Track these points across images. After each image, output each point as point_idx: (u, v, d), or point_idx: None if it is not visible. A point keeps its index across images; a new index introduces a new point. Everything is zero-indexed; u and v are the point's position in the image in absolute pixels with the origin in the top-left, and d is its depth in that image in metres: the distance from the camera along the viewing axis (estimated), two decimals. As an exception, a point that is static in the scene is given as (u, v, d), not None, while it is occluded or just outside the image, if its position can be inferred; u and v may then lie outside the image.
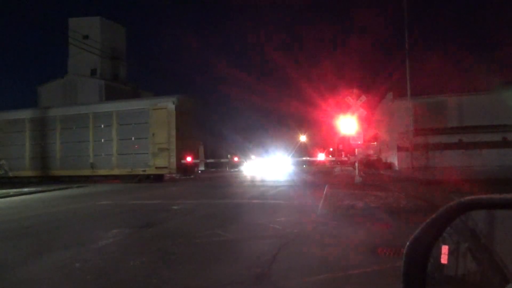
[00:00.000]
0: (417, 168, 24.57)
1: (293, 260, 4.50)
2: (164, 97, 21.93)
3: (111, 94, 37.21)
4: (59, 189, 17.31)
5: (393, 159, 29.75)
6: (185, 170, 21.89)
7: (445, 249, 1.06)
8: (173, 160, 19.96)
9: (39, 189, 16.81)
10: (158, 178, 21.09)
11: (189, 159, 33.98)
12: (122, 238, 5.98)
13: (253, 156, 38.86)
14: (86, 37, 35.61)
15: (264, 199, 11.16)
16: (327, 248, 5.06)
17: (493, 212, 1.06)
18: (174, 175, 22.69)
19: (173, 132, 19.95)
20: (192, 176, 28.33)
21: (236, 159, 42.43)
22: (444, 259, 1.06)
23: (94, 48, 33.05)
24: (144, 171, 20.57)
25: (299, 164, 45.21)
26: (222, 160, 41.50)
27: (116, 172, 21.20)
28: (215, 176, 28.47)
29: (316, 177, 23.85)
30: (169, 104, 20.28)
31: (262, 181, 20.16)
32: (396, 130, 28.41)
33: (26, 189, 16.52)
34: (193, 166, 23.13)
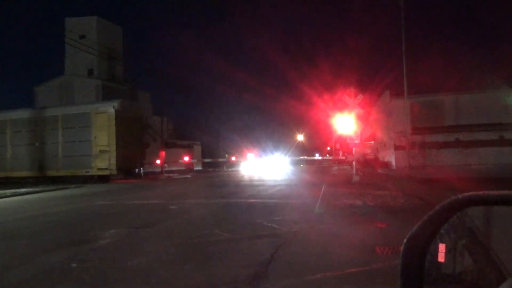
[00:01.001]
0: (414, 167, 24.61)
1: (291, 259, 4.50)
2: (106, 102, 23.80)
3: (108, 94, 37.09)
4: (56, 189, 17.29)
5: (391, 158, 29.81)
6: (126, 171, 23.24)
7: (442, 247, 1.06)
8: (113, 161, 21.22)
9: (36, 189, 16.79)
10: (103, 178, 21.91)
11: (186, 158, 34.15)
12: (120, 238, 5.97)
13: (250, 156, 38.84)
14: (82, 37, 35.45)
15: (261, 198, 11.16)
16: (325, 247, 5.06)
17: (490, 209, 1.06)
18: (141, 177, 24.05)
19: (113, 135, 21.20)
20: (189, 176, 28.37)
21: (233, 158, 42.49)
22: (441, 257, 1.06)
23: (91, 48, 32.94)
24: (87, 172, 21.76)
25: (297, 163, 45.23)
26: (220, 160, 41.65)
27: (62, 173, 22.30)
28: (213, 176, 28.44)
29: (314, 176, 23.87)
30: (109, 109, 21.60)
31: (260, 180, 20.16)
32: (393, 129, 28.46)
33: (22, 190, 16.47)
34: (134, 167, 24.26)
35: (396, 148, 27.97)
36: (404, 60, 24.49)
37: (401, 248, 1.02)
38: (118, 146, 21.13)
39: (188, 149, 41.96)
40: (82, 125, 22.01)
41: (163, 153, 30.87)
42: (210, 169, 43.38)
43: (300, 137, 62.96)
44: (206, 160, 40.76)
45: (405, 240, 1.03)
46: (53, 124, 22.58)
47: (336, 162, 38.75)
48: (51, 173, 22.44)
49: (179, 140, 43.93)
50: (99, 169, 21.46)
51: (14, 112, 24.59)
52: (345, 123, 17.30)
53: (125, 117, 21.92)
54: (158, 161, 30.12)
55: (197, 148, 46.98)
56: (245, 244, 5.36)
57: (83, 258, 4.73)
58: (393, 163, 28.79)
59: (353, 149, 18.04)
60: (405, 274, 1.01)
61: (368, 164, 29.98)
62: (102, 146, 21.32)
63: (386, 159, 31.41)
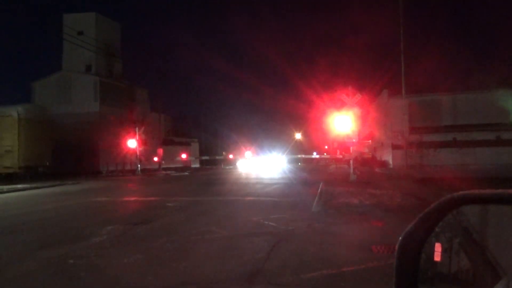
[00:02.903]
0: (411, 166, 24.66)
1: (287, 257, 4.51)
2: (11, 106, 25.20)
3: (106, 91, 36.99)
4: (54, 185, 17.25)
5: (388, 157, 29.85)
6: (29, 170, 24.26)
7: (438, 247, 1.06)
8: (16, 161, 23.06)
9: (34, 185, 16.73)
10: (8, 176, 22.73)
11: (184, 156, 34.14)
12: (117, 234, 5.96)
13: (248, 154, 38.83)
14: (81, 33, 35.29)
15: (259, 197, 11.17)
16: (321, 245, 5.08)
17: (485, 207, 1.07)
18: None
19: (16, 137, 23.03)
20: (186, 173, 28.34)
21: (231, 156, 42.47)
22: (437, 257, 1.06)
23: (89, 45, 32.82)
24: None
25: (294, 161, 45.26)
26: (217, 157, 41.61)
27: None
28: (210, 173, 28.43)
29: (311, 175, 23.89)
30: (13, 113, 23.42)
31: (257, 178, 20.17)
32: (391, 128, 28.49)
33: (20, 186, 16.42)
34: (37, 166, 25.29)
35: (394, 147, 28.00)
36: (403, 60, 24.54)
37: (396, 246, 1.02)
38: (21, 146, 23.01)
39: (186, 146, 41.90)
40: None
41: (160, 150, 30.84)
42: (208, 166, 43.35)
43: (298, 136, 62.94)
44: (204, 158, 40.73)
45: (400, 238, 1.03)
46: None
47: (333, 160, 38.79)
48: None
49: (176, 137, 43.84)
50: (5, 167, 23.08)
51: None
52: (343, 122, 17.32)
53: (30, 120, 23.92)
54: (155, 158, 30.10)
55: (195, 146, 46.89)
56: (242, 242, 5.36)
57: (80, 255, 4.73)
58: (391, 162, 28.82)
59: (351, 148, 18.06)
60: (400, 272, 1.01)
61: (365, 163, 30.00)
62: (7, 147, 23.16)
63: (383, 158, 31.45)
